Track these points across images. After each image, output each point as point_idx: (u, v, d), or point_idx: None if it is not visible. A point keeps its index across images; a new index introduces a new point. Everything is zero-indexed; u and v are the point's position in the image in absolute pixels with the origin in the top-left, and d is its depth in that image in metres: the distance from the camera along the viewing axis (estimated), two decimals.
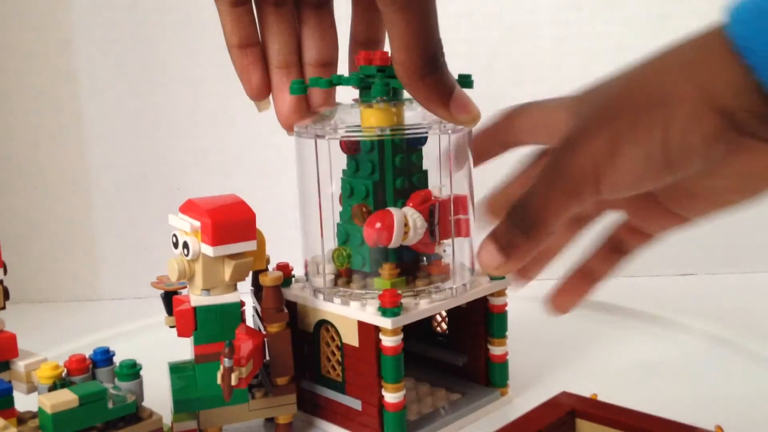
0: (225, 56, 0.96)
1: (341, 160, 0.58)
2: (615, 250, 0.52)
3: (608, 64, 0.94)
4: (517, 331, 0.66)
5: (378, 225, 0.53)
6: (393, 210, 0.53)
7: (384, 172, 0.55)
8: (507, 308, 0.61)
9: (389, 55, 0.52)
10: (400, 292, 0.54)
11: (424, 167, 0.58)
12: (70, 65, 0.96)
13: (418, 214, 0.54)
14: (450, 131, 0.55)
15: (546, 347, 0.73)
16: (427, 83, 0.45)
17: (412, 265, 0.57)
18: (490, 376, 0.61)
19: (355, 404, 0.55)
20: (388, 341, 0.52)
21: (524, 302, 0.69)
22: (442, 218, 0.55)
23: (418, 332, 0.65)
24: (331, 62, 0.58)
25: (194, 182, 0.98)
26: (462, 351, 0.62)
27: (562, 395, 0.49)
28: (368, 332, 0.53)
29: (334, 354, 0.57)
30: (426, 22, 0.44)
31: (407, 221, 0.53)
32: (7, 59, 0.95)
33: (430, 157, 0.57)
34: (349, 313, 0.54)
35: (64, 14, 0.95)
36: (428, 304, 0.54)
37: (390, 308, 0.52)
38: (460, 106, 0.48)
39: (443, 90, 0.47)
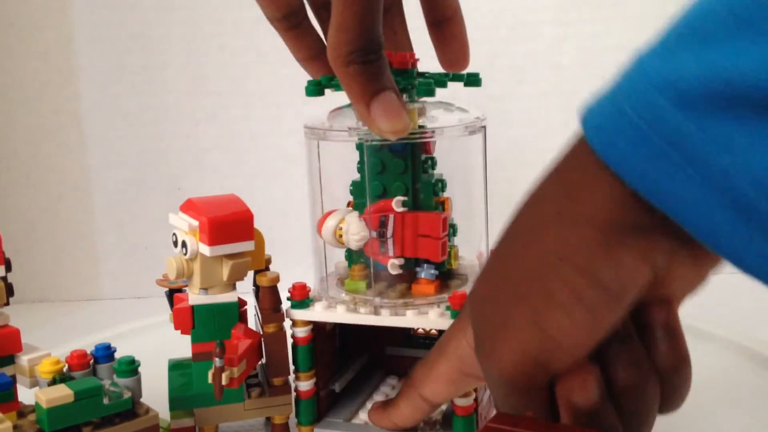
0: (225, 56, 0.97)
1: (351, 161, 0.57)
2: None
3: (608, 64, 0.95)
4: None
5: (320, 222, 0.54)
6: (337, 211, 0.54)
7: (364, 174, 0.55)
8: None
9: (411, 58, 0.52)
10: (356, 295, 0.55)
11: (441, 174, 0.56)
12: (70, 65, 0.96)
13: (356, 220, 0.53)
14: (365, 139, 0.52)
15: None
16: (350, 73, 0.44)
17: (400, 276, 0.55)
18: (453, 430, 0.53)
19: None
20: (296, 331, 0.54)
21: None
22: (402, 233, 0.53)
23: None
24: None
25: (194, 182, 0.98)
26: None
27: (497, 417, 0.44)
28: None
29: None
30: (365, 12, 0.43)
31: (341, 224, 0.54)
32: (7, 59, 0.96)
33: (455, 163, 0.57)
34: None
35: (64, 14, 0.95)
36: (343, 312, 0.54)
37: (296, 300, 0.54)
38: (381, 110, 0.45)
39: (367, 86, 0.44)
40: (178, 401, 0.53)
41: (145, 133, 0.98)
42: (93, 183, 0.99)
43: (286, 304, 0.55)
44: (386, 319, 0.53)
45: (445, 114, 0.54)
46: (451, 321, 0.50)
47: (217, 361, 0.48)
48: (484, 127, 0.56)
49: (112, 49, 0.96)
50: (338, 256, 0.59)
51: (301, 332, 0.54)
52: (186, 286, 0.57)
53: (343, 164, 0.58)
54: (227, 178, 0.98)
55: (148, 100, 0.97)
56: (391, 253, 0.54)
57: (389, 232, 0.53)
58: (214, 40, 0.96)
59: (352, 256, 0.56)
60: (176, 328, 0.53)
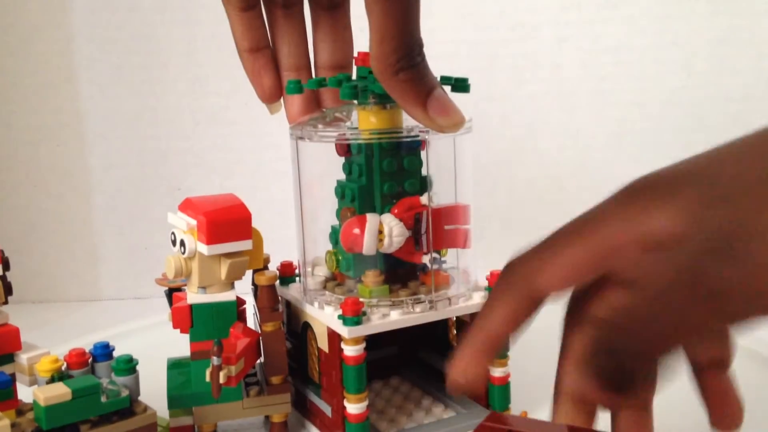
0: (225, 56, 0.96)
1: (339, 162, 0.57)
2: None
3: (608, 64, 0.95)
4: (530, 348, 0.61)
5: (350, 230, 0.52)
6: (370, 216, 0.53)
7: (371, 176, 0.54)
8: None
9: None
10: (375, 300, 0.53)
11: (430, 173, 0.56)
12: (70, 65, 0.96)
13: (396, 221, 0.52)
14: (428, 135, 0.53)
15: (550, 354, 0.70)
16: (401, 80, 0.43)
17: (404, 273, 0.55)
18: (489, 398, 0.58)
19: (327, 410, 0.55)
20: (348, 350, 0.51)
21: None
22: (433, 227, 0.53)
23: (432, 342, 0.64)
24: (344, 64, 0.57)
25: (194, 182, 0.98)
26: None
27: (491, 417, 0.42)
28: (334, 339, 0.52)
29: (316, 357, 0.57)
30: (406, 16, 0.42)
31: (382, 228, 0.52)
32: (7, 59, 0.96)
33: (437, 162, 0.56)
34: (322, 317, 0.54)
35: (64, 14, 0.95)
36: (399, 316, 0.52)
37: (350, 317, 0.50)
38: (438, 108, 0.45)
39: (419, 89, 0.44)
40: (176, 400, 0.53)
41: (145, 133, 0.98)
42: (93, 183, 0.99)
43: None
44: (445, 311, 0.53)
45: None
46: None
47: (215, 360, 0.48)
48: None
49: (112, 49, 0.96)
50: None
51: (353, 351, 0.51)
52: (185, 285, 0.57)
53: (329, 166, 0.57)
54: (227, 178, 0.98)
55: (148, 100, 0.97)
56: (425, 249, 0.53)
57: (423, 228, 0.53)
58: (214, 40, 0.96)
59: (361, 263, 0.54)
60: (175, 327, 0.53)
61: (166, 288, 0.59)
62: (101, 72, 0.97)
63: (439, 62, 0.93)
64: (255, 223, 0.54)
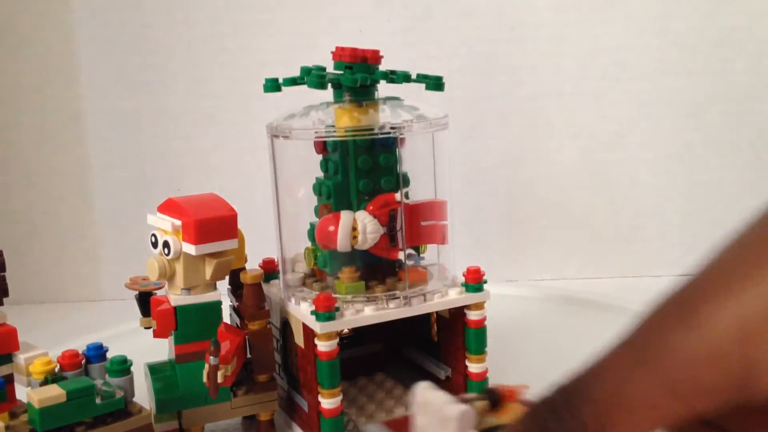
0: (225, 56, 0.96)
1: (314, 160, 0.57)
2: None
3: (608, 64, 0.95)
4: (516, 336, 0.60)
5: (325, 227, 0.52)
6: (344, 213, 0.53)
7: (347, 173, 0.54)
8: (486, 323, 0.56)
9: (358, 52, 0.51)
10: (350, 297, 0.53)
11: (406, 170, 0.56)
12: (71, 65, 0.96)
13: (370, 218, 0.52)
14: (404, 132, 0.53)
15: (544, 355, 0.70)
16: None
17: (381, 270, 0.55)
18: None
19: (304, 405, 0.55)
20: (321, 346, 0.51)
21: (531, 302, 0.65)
22: (409, 224, 0.53)
23: (415, 339, 0.64)
24: None
25: (194, 182, 0.98)
26: (447, 363, 0.60)
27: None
28: (309, 335, 0.52)
29: (295, 353, 0.56)
30: None
31: (356, 225, 0.52)
32: (7, 59, 0.96)
33: (419, 159, 0.56)
34: (297, 314, 0.54)
35: (64, 14, 0.95)
36: (373, 312, 0.52)
37: (322, 312, 0.50)
38: None
39: None
40: (165, 404, 0.53)
41: (145, 133, 0.98)
42: (93, 183, 0.99)
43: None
44: (420, 307, 0.53)
45: (405, 113, 0.54)
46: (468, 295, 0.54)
47: (212, 360, 0.48)
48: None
49: (112, 49, 0.96)
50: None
51: (326, 346, 0.51)
52: (158, 288, 0.57)
53: (308, 163, 0.57)
54: (227, 178, 0.98)
55: (148, 100, 0.97)
56: (401, 245, 0.53)
57: (399, 225, 0.53)
58: (214, 41, 0.96)
59: (337, 260, 0.55)
60: (156, 332, 0.53)
61: (137, 292, 0.58)
62: (101, 72, 0.97)
63: (439, 62, 0.93)
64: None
